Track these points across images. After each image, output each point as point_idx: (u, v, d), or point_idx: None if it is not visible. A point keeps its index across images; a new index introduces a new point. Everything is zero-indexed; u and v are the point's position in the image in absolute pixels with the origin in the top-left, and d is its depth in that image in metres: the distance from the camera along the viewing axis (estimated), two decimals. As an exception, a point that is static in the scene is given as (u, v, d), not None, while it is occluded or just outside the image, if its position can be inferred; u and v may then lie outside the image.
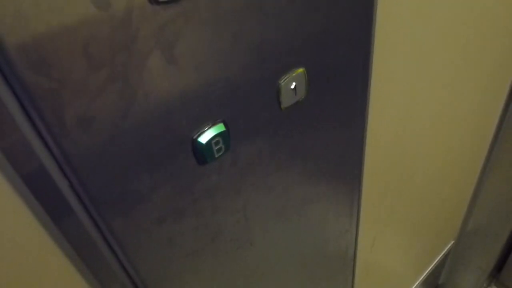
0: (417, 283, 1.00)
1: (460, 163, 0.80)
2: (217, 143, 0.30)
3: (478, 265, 1.08)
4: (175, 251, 0.33)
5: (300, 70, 0.33)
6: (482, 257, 1.06)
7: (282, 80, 0.32)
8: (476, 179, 0.94)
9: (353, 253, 0.58)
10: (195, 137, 0.29)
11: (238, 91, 0.29)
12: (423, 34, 0.46)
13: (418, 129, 0.58)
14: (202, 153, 0.30)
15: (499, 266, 1.25)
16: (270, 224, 0.39)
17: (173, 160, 0.28)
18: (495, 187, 0.92)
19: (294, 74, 0.32)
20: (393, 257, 0.78)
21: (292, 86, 0.33)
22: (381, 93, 0.45)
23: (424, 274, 1.02)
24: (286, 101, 0.33)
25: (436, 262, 1.05)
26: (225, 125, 0.30)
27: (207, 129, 0.29)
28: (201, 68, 0.26)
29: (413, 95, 0.52)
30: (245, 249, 0.39)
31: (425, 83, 0.52)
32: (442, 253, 1.06)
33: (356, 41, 0.37)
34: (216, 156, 0.30)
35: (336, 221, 0.49)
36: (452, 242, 1.08)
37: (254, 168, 0.34)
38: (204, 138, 0.29)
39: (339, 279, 0.59)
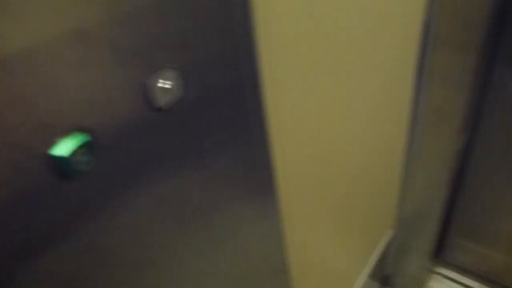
0: (363, 276, 1.00)
1: (382, 152, 0.82)
2: (80, 154, 0.27)
3: (420, 248, 1.11)
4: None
5: (171, 68, 0.30)
6: (422, 240, 1.09)
7: (151, 80, 0.29)
8: (401, 165, 0.96)
9: (282, 257, 0.56)
10: (49, 151, 0.25)
11: (99, 93, 0.27)
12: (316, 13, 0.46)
13: (329, 121, 0.57)
14: (63, 168, 0.26)
15: (440, 247, 1.29)
16: (172, 238, 0.36)
17: (26, 180, 0.24)
18: (421, 170, 0.94)
19: (165, 73, 0.30)
20: (331, 254, 0.77)
21: (164, 85, 0.30)
22: (277, 88, 0.44)
23: (369, 267, 1.02)
24: (160, 101, 0.30)
25: (379, 253, 1.06)
26: (88, 133, 0.27)
27: (65, 140, 0.26)
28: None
29: (314, 86, 0.51)
30: (149, 271, 0.35)
31: (327, 67, 0.52)
32: (384, 243, 1.07)
33: (234, 34, 0.35)
34: (82, 169, 0.27)
35: (253, 226, 0.47)
36: (392, 230, 1.10)
37: (137, 177, 0.31)
38: (61, 151, 0.26)
39: (274, 286, 0.57)
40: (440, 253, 1.33)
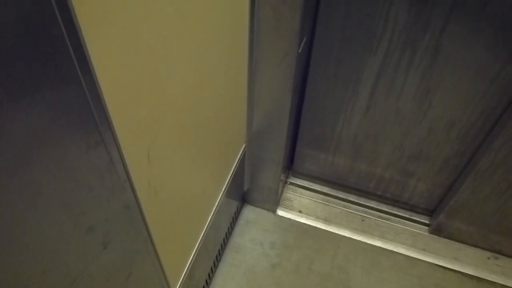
0: (220, 196, 0.99)
1: (225, 70, 0.76)
2: None
3: (272, 160, 1.13)
4: None
5: None
6: (273, 152, 1.10)
7: None
8: (246, 79, 0.93)
9: (131, 194, 0.47)
10: None
11: None
12: None
13: (162, 45, 0.48)
14: None
15: (291, 157, 1.35)
16: None
17: None
18: (265, 80, 0.93)
19: None
20: (186, 180, 0.71)
21: None
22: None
23: (225, 185, 1.01)
24: None
25: (233, 170, 1.05)
26: None
27: None
28: None
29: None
30: None
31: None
32: (237, 160, 1.06)
33: None
34: None
35: (89, 161, 0.37)
36: (244, 145, 1.09)
37: None
38: None
39: (124, 220, 0.49)
40: (292, 164, 1.40)
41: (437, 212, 1.28)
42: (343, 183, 1.35)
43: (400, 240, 1.28)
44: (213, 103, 0.77)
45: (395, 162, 1.20)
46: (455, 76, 0.93)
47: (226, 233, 1.17)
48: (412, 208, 1.35)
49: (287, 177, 1.40)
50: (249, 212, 1.31)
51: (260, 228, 1.27)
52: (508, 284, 1.23)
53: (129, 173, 0.50)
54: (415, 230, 1.33)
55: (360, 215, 1.34)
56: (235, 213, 1.23)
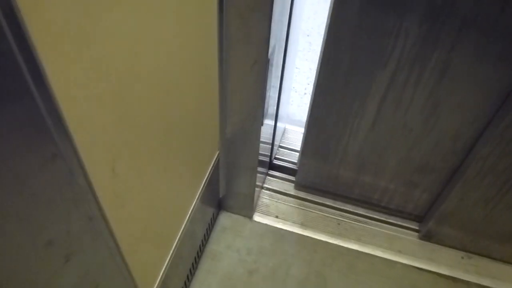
0: (194, 204, 0.98)
1: (196, 77, 0.76)
2: None
3: (247, 167, 1.13)
4: None
5: None
6: (247, 159, 1.10)
7: None
8: (216, 90, 0.93)
9: (96, 207, 0.47)
10: None
11: None
12: None
13: (127, 53, 0.47)
14: None
15: (269, 164, 1.35)
16: None
17: None
18: (236, 93, 0.93)
19: None
20: (159, 190, 0.70)
21: None
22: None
23: (199, 193, 1.00)
24: None
25: (207, 177, 1.05)
26: None
27: None
28: None
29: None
30: None
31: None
32: (210, 167, 1.06)
33: None
34: None
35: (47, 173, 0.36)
36: (217, 153, 1.09)
37: None
38: None
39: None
40: (268, 169, 1.40)
41: (427, 219, 1.30)
42: (348, 195, 1.36)
43: (376, 242, 1.30)
44: (183, 112, 0.77)
45: (400, 173, 1.22)
46: (464, 91, 0.94)
47: (202, 241, 1.17)
48: (401, 215, 1.37)
49: (263, 182, 1.41)
50: (226, 219, 1.30)
51: (236, 234, 1.27)
52: (481, 283, 1.26)
53: (91, 185, 0.49)
54: (405, 236, 1.34)
55: (336, 218, 1.35)
56: (211, 220, 1.23)
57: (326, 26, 0.94)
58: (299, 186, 1.40)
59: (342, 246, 1.28)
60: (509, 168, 1.02)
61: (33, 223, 0.41)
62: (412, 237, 1.34)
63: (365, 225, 1.35)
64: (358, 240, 1.30)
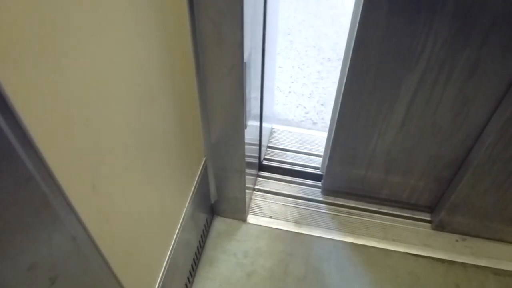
0: (184, 212, 0.98)
1: (169, 92, 0.76)
2: None
3: (235, 170, 1.13)
4: None
5: None
6: (234, 162, 1.11)
7: None
8: (196, 98, 0.93)
9: (83, 228, 0.47)
10: None
11: None
12: None
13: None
14: None
15: (260, 165, 1.36)
16: None
17: None
18: (216, 98, 0.93)
19: None
20: (140, 205, 0.71)
21: None
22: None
23: (188, 201, 1.01)
24: None
25: (196, 185, 1.05)
26: None
27: None
28: None
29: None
30: None
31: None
32: (198, 174, 1.06)
33: None
34: None
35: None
36: (204, 159, 1.09)
37: None
38: None
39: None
40: (259, 171, 1.41)
41: (438, 209, 1.32)
42: (375, 196, 1.37)
43: (370, 233, 1.31)
44: (163, 123, 0.77)
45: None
46: (492, 87, 0.95)
47: (197, 248, 1.17)
48: (412, 207, 1.38)
49: (255, 184, 1.41)
50: (220, 224, 1.31)
51: (232, 238, 1.27)
52: (477, 263, 1.27)
53: (71, 205, 0.49)
54: (418, 228, 1.35)
55: (330, 213, 1.36)
56: (205, 226, 1.23)
57: (350, 30, 0.95)
58: (327, 191, 1.40)
59: (338, 240, 1.28)
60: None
61: (13, 247, 0.41)
62: (424, 228, 1.35)
63: (358, 218, 1.35)
64: (353, 232, 1.31)
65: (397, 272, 1.22)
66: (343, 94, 1.06)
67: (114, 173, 0.60)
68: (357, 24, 0.91)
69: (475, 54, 0.90)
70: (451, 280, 1.22)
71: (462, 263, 1.26)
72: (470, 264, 1.26)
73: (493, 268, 1.26)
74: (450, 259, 1.27)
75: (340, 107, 1.09)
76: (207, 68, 0.89)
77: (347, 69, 1.00)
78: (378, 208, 1.37)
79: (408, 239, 1.30)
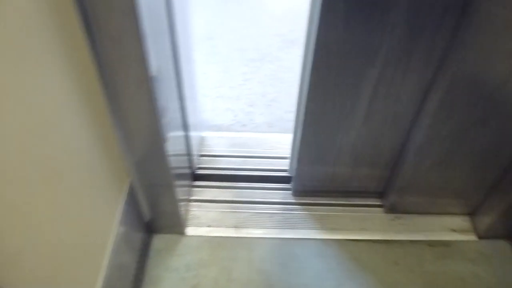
0: (112, 236, 0.95)
1: (70, 120, 0.73)
2: None
3: (163, 185, 1.11)
4: None
5: None
6: (161, 177, 1.09)
7: None
8: (107, 119, 0.90)
9: None
10: None
11: None
12: None
13: None
14: None
15: (194, 175, 1.34)
16: None
17: None
18: (129, 117, 0.91)
19: None
20: (55, 241, 0.67)
21: None
22: None
23: (115, 225, 0.97)
24: None
25: (123, 207, 1.02)
26: None
27: None
28: None
29: None
30: None
31: None
32: (122, 196, 1.03)
33: None
34: None
35: None
36: (129, 179, 1.06)
37: None
38: None
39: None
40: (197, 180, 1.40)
41: (388, 192, 1.37)
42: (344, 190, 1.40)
43: (308, 226, 1.33)
44: (72, 150, 0.73)
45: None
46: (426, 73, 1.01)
47: (136, 269, 1.14)
48: (362, 195, 1.43)
49: (189, 195, 1.39)
50: (159, 241, 1.28)
51: (172, 254, 1.25)
52: (413, 238, 1.34)
53: None
54: (371, 214, 1.40)
55: (267, 212, 1.37)
56: (142, 246, 1.20)
57: (308, 33, 0.99)
58: (297, 192, 1.42)
59: (277, 238, 1.30)
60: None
61: None
62: (376, 213, 1.41)
63: (296, 212, 1.38)
64: (292, 228, 1.33)
65: (339, 260, 1.25)
66: (308, 96, 1.08)
67: (20, 210, 0.57)
68: (315, 26, 0.94)
69: (429, 45, 0.96)
70: (391, 258, 1.27)
71: (400, 240, 1.32)
72: (408, 240, 1.32)
73: (428, 240, 1.33)
74: (388, 238, 1.32)
75: (306, 108, 1.12)
76: (115, 86, 0.86)
77: (308, 71, 1.03)
78: (346, 201, 1.42)
79: (347, 226, 1.34)
